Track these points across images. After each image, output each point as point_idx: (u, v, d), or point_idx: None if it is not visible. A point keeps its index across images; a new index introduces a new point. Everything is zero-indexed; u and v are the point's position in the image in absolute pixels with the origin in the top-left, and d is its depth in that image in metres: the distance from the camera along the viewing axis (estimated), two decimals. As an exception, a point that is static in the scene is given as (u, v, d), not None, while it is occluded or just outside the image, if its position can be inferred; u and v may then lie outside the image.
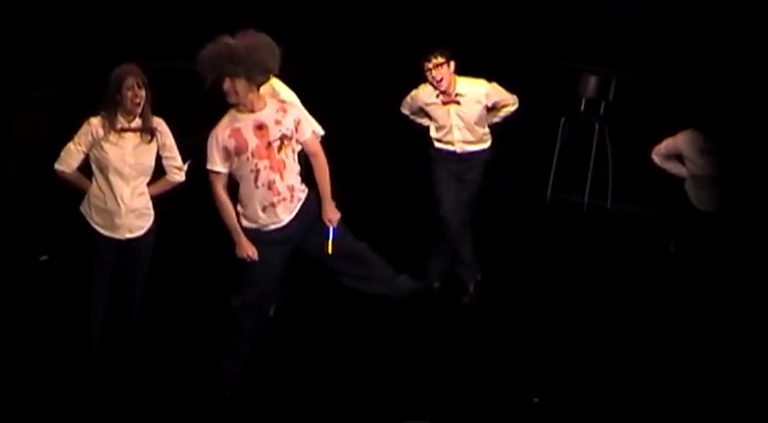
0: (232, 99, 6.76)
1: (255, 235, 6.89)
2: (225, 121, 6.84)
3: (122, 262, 6.88)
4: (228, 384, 7.09)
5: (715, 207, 8.20)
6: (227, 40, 6.71)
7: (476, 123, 8.46)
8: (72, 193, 6.90)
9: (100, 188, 6.78)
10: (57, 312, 7.75)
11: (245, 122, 6.81)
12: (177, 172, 6.99)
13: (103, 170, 6.74)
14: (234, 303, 7.00)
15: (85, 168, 6.83)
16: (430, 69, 8.30)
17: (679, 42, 10.83)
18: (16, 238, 8.99)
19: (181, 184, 7.06)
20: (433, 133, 8.61)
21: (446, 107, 8.44)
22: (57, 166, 6.79)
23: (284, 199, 6.87)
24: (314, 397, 7.20)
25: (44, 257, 8.77)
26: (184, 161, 7.01)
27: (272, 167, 6.82)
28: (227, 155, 6.80)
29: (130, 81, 6.67)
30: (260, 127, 6.81)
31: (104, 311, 6.88)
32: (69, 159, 6.77)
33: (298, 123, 6.93)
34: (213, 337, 7.84)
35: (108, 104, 6.71)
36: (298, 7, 10.42)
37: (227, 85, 6.71)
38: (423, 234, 8.91)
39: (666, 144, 8.27)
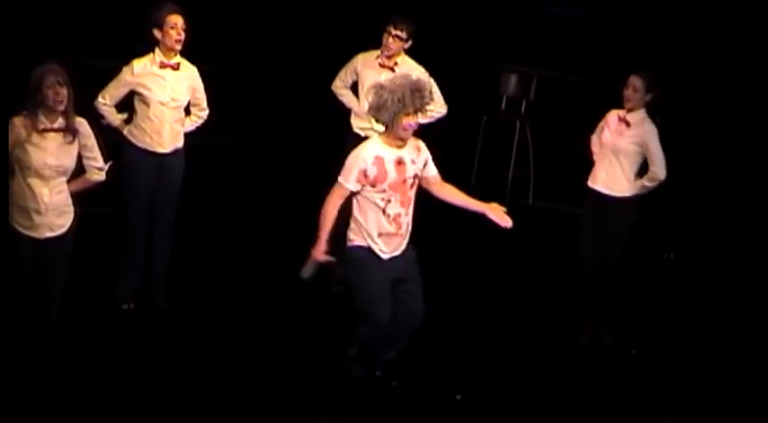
0: (407, 135, 6.98)
1: (366, 253, 7.03)
2: (371, 146, 7.04)
3: (41, 261, 6.78)
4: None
5: (602, 185, 8.28)
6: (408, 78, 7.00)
7: None
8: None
9: (20, 187, 6.69)
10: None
11: (388, 154, 6.99)
12: (98, 172, 6.92)
13: (23, 170, 6.64)
14: (364, 330, 7.11)
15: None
16: (391, 35, 8.59)
17: (600, 42, 10.93)
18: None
19: (101, 184, 7.00)
20: (357, 110, 8.68)
21: (381, 71, 8.54)
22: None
23: (402, 234, 7.09)
24: (228, 399, 7.17)
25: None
26: (105, 161, 6.95)
27: (401, 202, 7.04)
28: (363, 178, 6.95)
29: (51, 79, 6.57)
30: (399, 162, 7.01)
31: (24, 311, 6.79)
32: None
33: (426, 164, 7.17)
34: (132, 336, 7.84)
35: (30, 104, 6.62)
36: (219, 6, 10.37)
37: (413, 120, 6.92)
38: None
39: (600, 124, 8.38)
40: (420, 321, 7.19)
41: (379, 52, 8.74)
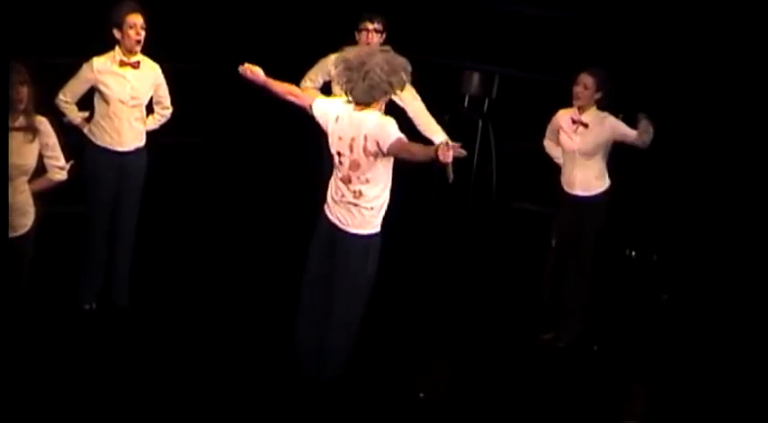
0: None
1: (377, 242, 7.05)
2: None
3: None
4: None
5: (573, 188, 8.30)
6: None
7: None
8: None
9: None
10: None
11: None
12: (59, 171, 6.90)
13: (-15, 169, 6.62)
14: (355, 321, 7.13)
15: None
16: (368, 30, 8.59)
17: (561, 40, 10.96)
18: None
19: (62, 183, 6.97)
20: None
21: None
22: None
23: None
24: (191, 398, 7.15)
25: None
26: (67, 160, 6.91)
27: None
28: None
29: (11, 79, 6.54)
30: None
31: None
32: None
33: None
34: (93, 336, 7.81)
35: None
36: (179, 4, 10.33)
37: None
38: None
39: (549, 126, 8.41)
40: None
41: None
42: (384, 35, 8.71)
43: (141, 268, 8.39)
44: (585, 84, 8.18)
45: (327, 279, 7.04)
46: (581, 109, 8.21)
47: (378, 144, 6.84)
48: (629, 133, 8.17)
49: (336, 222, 7.01)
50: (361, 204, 6.96)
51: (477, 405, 7.44)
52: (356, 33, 8.74)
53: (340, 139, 6.96)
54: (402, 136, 6.89)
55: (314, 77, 8.89)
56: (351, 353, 7.16)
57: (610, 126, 8.18)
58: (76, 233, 8.23)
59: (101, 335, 7.86)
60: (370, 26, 8.65)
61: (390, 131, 6.86)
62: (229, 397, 7.17)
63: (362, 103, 6.93)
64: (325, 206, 7.07)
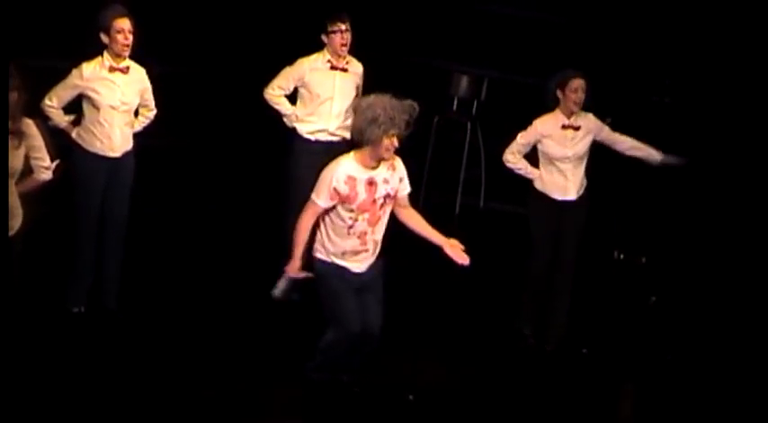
0: (388, 156, 6.85)
1: (330, 266, 6.96)
2: (345, 164, 6.88)
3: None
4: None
5: (568, 194, 8.30)
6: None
7: (350, 105, 8.42)
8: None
9: (-32, 189, 6.63)
10: None
11: (361, 175, 6.87)
12: (45, 171, 6.89)
13: (-29, 172, 6.60)
14: (333, 338, 7.04)
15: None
16: (342, 31, 8.48)
17: (550, 43, 10.97)
18: None
19: (48, 183, 6.96)
20: (301, 114, 8.64)
21: (332, 73, 8.50)
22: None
23: (367, 251, 7.02)
24: (180, 401, 7.15)
25: None
26: (53, 160, 6.91)
27: (369, 221, 6.94)
28: (335, 195, 6.83)
29: (9, 82, 6.53)
30: (371, 183, 6.89)
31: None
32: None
33: (401, 181, 7.05)
34: (83, 339, 7.80)
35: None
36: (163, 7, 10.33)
37: (395, 141, 6.80)
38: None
39: (524, 135, 8.34)
40: (373, 333, 7.12)
41: (323, 55, 8.63)
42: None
43: (130, 271, 8.38)
44: (584, 88, 8.11)
45: None
46: (571, 114, 8.16)
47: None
48: (626, 138, 8.20)
49: None
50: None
51: (466, 407, 7.44)
52: (325, 36, 8.60)
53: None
54: (312, 199, 6.92)
55: (285, 84, 8.72)
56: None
57: (597, 126, 8.18)
58: (65, 235, 8.21)
59: (90, 337, 7.85)
60: (344, 26, 8.53)
61: None
62: (219, 398, 7.16)
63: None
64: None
